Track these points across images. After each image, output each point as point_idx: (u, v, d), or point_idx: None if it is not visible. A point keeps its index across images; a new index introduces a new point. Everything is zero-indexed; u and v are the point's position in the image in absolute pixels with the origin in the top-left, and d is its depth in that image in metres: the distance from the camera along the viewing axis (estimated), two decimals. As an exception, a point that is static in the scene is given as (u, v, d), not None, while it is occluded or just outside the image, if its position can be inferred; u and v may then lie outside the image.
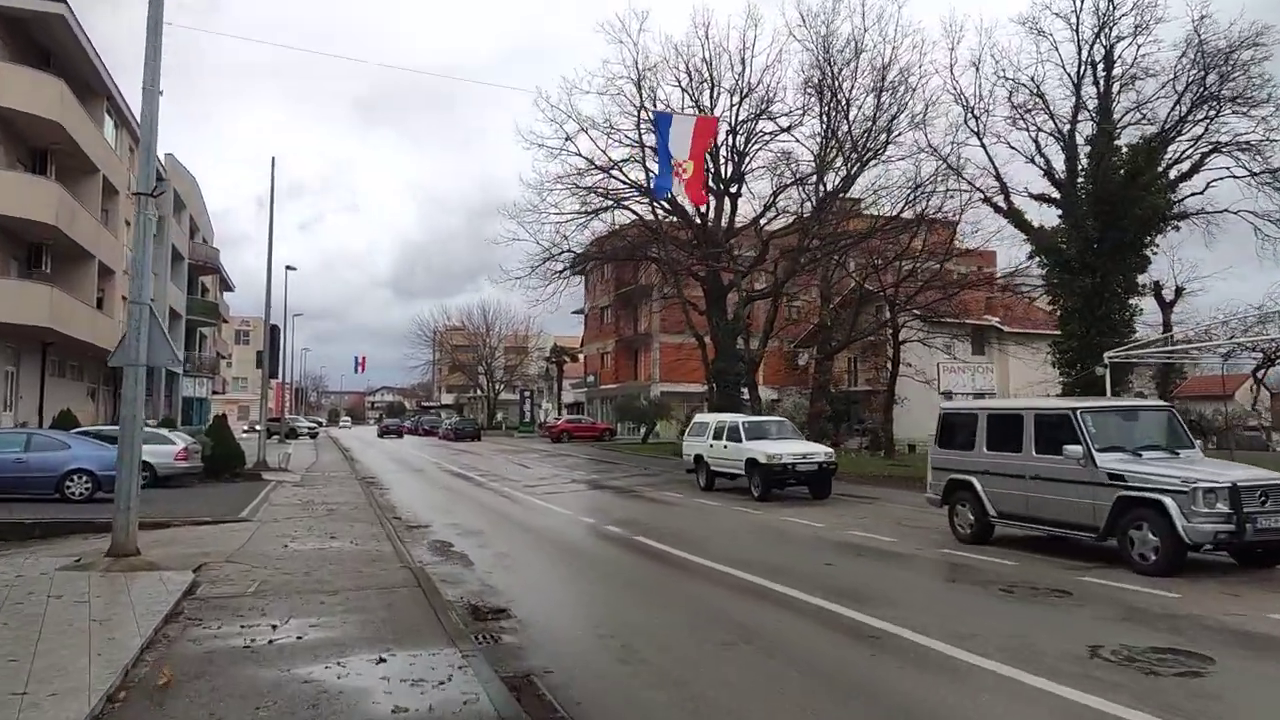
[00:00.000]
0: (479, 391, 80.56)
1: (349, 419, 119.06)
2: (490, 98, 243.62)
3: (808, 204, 30.80)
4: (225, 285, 71.40)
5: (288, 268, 49.74)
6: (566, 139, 32.67)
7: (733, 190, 32.60)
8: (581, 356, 63.88)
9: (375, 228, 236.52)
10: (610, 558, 11.92)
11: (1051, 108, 25.08)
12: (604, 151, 32.65)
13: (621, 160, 32.77)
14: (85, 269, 31.15)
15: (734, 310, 33.86)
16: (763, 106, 31.29)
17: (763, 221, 33.08)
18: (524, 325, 79.01)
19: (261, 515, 15.26)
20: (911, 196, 28.26)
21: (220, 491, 19.57)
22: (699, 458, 20.24)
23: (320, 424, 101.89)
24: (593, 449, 43.36)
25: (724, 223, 33.42)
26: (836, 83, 27.47)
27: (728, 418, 19.68)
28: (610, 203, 34.39)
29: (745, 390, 33.55)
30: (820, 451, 17.83)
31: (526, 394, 67.04)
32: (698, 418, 21.76)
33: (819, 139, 28.73)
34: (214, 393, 64.20)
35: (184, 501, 17.08)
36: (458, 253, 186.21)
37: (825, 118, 27.95)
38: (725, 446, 18.89)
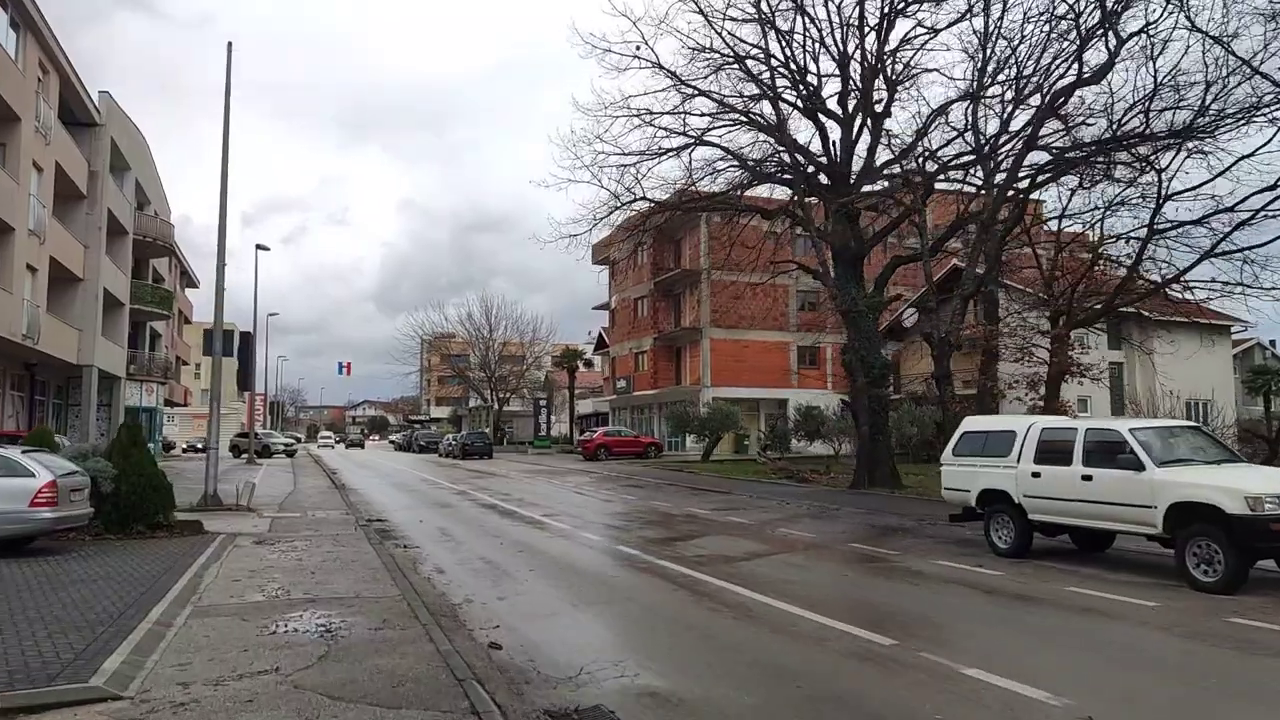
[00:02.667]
0: (481, 402, 70.97)
1: (331, 434, 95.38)
2: (479, 112, 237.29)
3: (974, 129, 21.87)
4: (188, 280, 61.79)
5: (259, 246, 40.63)
6: (638, 46, 23.72)
7: (877, 109, 23.49)
8: (609, 357, 54.73)
9: (360, 241, 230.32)
10: None
11: None
12: (720, 32, 23.30)
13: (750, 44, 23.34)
14: (-38, 220, 21.81)
15: (875, 279, 24.90)
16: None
17: (910, 159, 24.03)
18: (530, 326, 69.71)
19: (157, 669, 6.06)
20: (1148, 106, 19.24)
21: (112, 568, 10.34)
22: (993, 495, 11.19)
23: (298, 440, 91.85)
24: (649, 468, 34.22)
25: (857, 158, 24.40)
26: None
27: (1077, 424, 10.51)
28: (691, 140, 25.33)
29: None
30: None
31: (542, 403, 57.77)
32: (974, 424, 12.45)
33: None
34: (171, 403, 54.44)
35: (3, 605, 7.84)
36: (443, 266, 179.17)
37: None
38: (1088, 479, 9.83)
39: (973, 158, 23.06)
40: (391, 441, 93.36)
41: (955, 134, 22.94)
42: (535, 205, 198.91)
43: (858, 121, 23.97)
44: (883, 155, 24.27)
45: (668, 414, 38.75)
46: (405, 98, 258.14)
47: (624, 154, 25.19)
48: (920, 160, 23.28)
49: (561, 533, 14.59)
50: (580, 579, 10.40)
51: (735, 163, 25.21)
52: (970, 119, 21.86)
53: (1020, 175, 21.27)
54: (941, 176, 23.61)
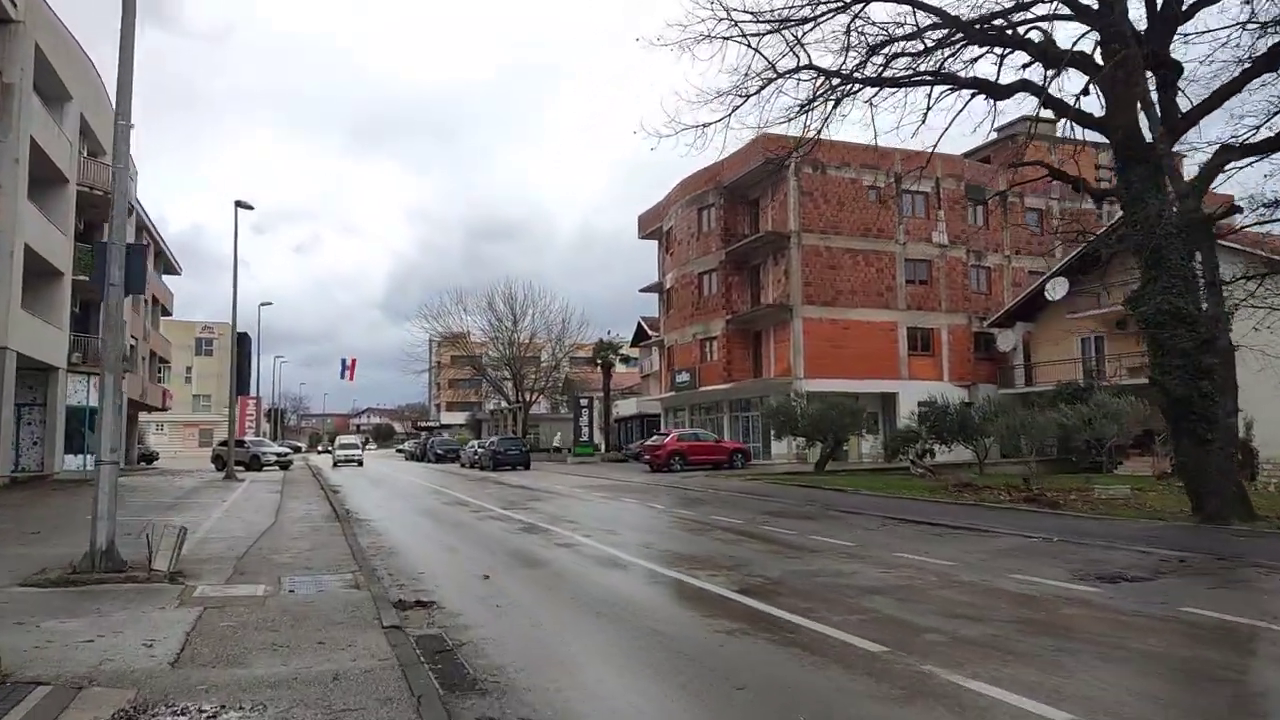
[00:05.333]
0: (504, 403, 62.29)
1: (355, 440, 59.86)
2: (488, 119, 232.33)
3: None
4: (167, 265, 53.39)
5: (239, 204, 32.34)
6: None
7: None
8: (663, 348, 46.06)
9: (369, 250, 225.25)
10: None
11: None
12: None
13: None
14: None
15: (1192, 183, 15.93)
16: None
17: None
18: (560, 317, 61.00)
19: None
20: None
21: None
22: None
23: (297, 449, 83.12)
24: (754, 482, 25.60)
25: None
26: None
27: None
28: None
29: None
30: None
31: (584, 404, 49.20)
32: None
33: None
34: (146, 406, 45.91)
35: None
36: (452, 273, 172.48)
37: None
38: None
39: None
40: (400, 450, 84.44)
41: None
42: (546, 212, 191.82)
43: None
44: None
45: (763, 411, 30.14)
46: (415, 106, 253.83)
47: (758, 20, 16.52)
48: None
49: (899, 674, 5.99)
50: None
51: (936, 20, 16.51)
52: None
53: None
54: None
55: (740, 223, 39.33)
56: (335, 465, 45.73)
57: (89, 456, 29.81)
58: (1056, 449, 29.76)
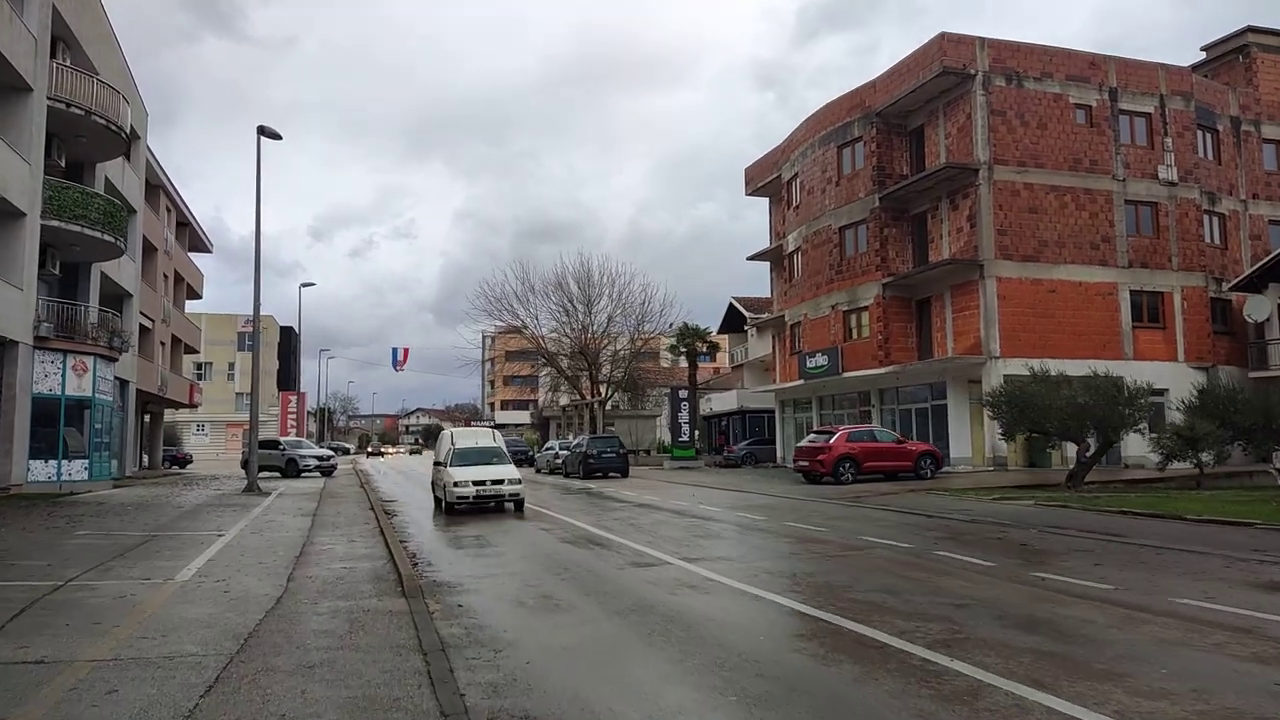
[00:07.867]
0: (578, 398, 54.28)
1: (500, 441, 20.78)
2: (537, 118, 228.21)
3: None
4: (196, 241, 46.41)
5: (262, 130, 24.92)
6: None
7: None
8: (783, 325, 37.24)
9: (422, 253, 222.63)
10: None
11: None
12: None
13: None
14: None
15: None
16: None
17: None
18: (640, 298, 52.48)
19: None
20: None
21: None
22: None
23: (345, 451, 76.25)
24: (993, 504, 17.04)
25: None
26: None
27: None
28: None
29: None
30: None
31: (682, 396, 40.78)
32: None
33: None
34: (170, 403, 38.70)
35: None
36: (503, 275, 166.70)
37: None
38: None
39: None
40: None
41: None
42: (590, 213, 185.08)
43: None
44: None
45: (989, 396, 21.53)
46: (464, 110, 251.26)
47: None
48: None
49: None
50: None
51: None
52: None
53: None
54: None
55: (897, 160, 30.68)
56: (448, 508, 17.99)
57: (66, 463, 22.42)
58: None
